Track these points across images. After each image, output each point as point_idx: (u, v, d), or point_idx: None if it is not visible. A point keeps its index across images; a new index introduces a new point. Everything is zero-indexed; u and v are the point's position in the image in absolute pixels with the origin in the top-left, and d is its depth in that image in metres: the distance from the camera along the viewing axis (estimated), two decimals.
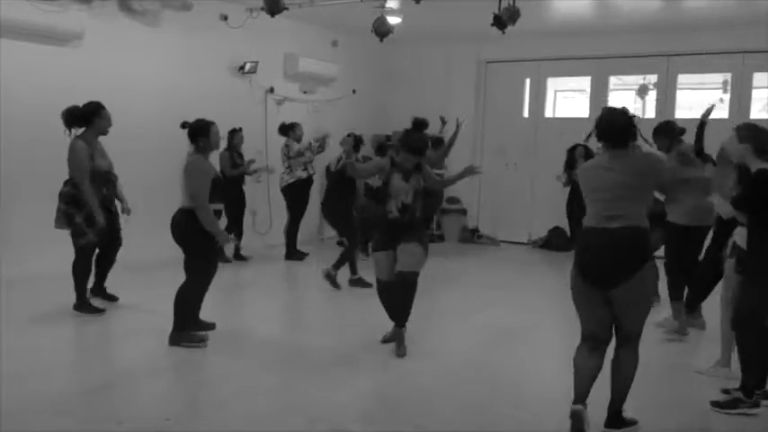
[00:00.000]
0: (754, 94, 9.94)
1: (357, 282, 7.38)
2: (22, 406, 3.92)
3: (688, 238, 5.63)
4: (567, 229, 10.35)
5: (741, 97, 9.92)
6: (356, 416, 4.03)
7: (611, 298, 3.57)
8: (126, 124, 6.87)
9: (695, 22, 9.32)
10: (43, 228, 5.98)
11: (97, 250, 6.01)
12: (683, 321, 5.77)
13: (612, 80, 11.11)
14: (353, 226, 7.61)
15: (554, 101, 12.10)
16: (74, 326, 5.73)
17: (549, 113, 11.67)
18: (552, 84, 11.75)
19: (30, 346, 5.03)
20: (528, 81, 11.57)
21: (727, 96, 10.13)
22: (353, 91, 11.35)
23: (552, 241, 10.81)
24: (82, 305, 5.91)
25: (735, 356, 4.66)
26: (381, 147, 8.34)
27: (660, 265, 5.24)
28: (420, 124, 5.30)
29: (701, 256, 5.76)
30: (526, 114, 11.63)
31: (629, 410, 3.80)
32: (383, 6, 8.08)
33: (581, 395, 3.67)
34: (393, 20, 8.33)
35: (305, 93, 10.56)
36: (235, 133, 8.58)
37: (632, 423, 3.78)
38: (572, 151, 9.96)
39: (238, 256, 8.77)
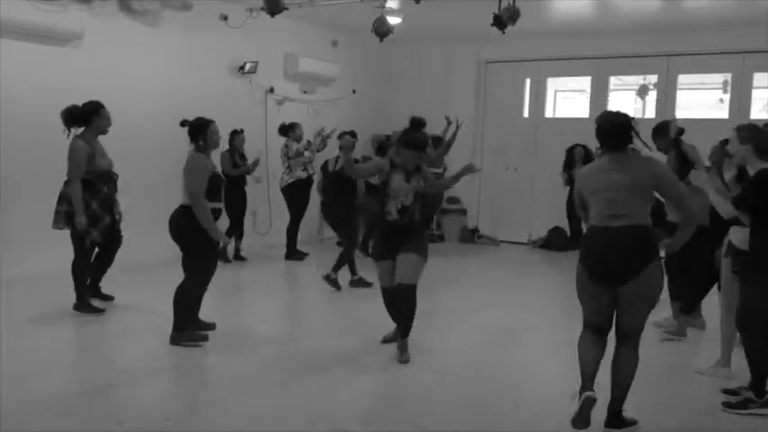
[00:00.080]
0: (755, 94, 9.94)
1: (357, 282, 7.38)
2: (22, 406, 3.91)
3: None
4: (567, 228, 10.37)
5: (741, 97, 9.92)
6: (356, 416, 4.02)
7: (617, 295, 3.62)
8: (126, 124, 6.88)
9: (695, 23, 9.32)
10: (43, 228, 5.97)
11: (96, 249, 6.01)
12: (682, 322, 5.77)
13: (613, 80, 11.12)
14: (353, 227, 7.60)
15: (554, 101, 12.10)
16: (74, 326, 5.73)
17: (549, 113, 11.67)
18: (552, 84, 11.75)
19: (30, 347, 5.03)
20: (528, 81, 11.56)
21: (727, 96, 10.14)
22: (353, 91, 11.34)
23: (552, 241, 10.80)
24: (82, 305, 5.90)
25: (735, 356, 4.69)
26: (381, 146, 8.33)
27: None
28: (418, 123, 5.31)
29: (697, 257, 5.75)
30: (526, 114, 11.62)
31: (629, 410, 3.80)
32: (383, 6, 8.08)
33: (589, 379, 3.70)
34: (393, 20, 8.33)
35: (305, 93, 10.55)
36: (236, 134, 8.58)
37: (632, 423, 3.78)
38: (571, 151, 9.99)
39: (238, 256, 8.77)
